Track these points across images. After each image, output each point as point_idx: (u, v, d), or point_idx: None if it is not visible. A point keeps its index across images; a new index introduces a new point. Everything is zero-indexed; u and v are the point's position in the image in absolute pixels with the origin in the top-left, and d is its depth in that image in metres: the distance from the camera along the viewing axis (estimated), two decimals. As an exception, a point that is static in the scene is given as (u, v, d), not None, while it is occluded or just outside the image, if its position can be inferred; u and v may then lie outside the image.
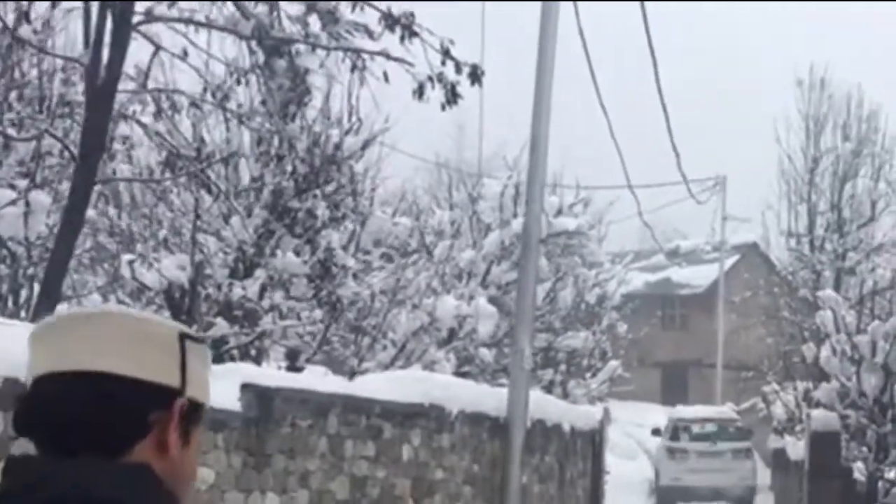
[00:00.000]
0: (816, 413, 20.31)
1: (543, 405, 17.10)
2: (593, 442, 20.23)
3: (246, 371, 10.17)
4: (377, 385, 12.09)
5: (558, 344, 25.34)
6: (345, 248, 15.24)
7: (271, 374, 10.99)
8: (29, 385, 2.14)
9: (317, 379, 11.56)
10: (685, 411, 36.50)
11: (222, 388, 9.12)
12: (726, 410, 36.73)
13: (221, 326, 13.70)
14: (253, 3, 11.58)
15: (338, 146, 15.19)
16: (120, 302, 16.16)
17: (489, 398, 14.59)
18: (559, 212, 25.82)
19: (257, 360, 14.51)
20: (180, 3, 11.38)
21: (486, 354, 21.01)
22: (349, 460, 11.06)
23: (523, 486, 15.06)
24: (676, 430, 34.08)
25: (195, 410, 2.19)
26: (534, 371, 24.00)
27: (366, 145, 15.96)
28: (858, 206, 33.46)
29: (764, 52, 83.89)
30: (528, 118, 14.74)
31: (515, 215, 23.71)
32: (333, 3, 11.53)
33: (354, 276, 15.76)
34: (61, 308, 2.20)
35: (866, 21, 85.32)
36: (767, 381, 30.25)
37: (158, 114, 12.27)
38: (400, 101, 12.37)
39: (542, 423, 16.61)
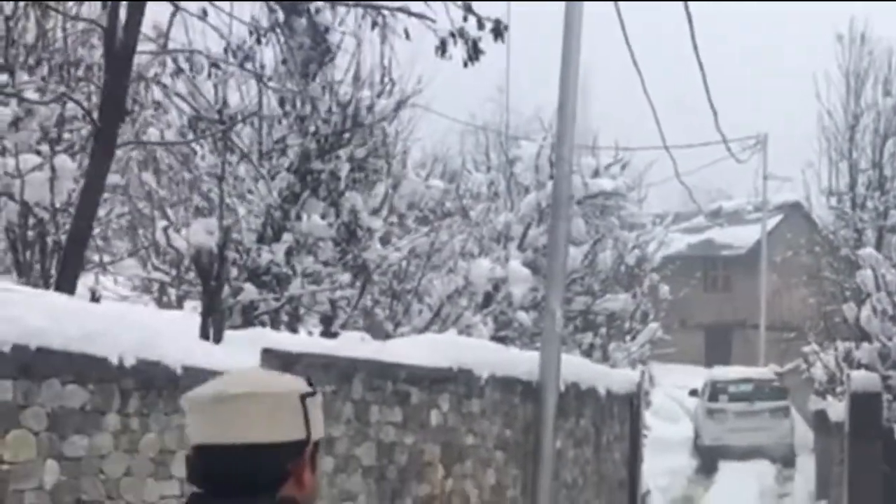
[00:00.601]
0: (857, 374, 19.98)
1: (578, 368, 16.88)
2: (631, 405, 19.99)
3: (268, 336, 10.01)
4: (405, 350, 11.88)
5: (597, 307, 25.07)
6: (377, 211, 15.07)
7: (294, 339, 10.82)
8: (192, 447, 2.95)
9: (343, 344, 11.35)
10: (722, 372, 36.60)
11: (243, 354, 8.97)
12: (763, 370, 36.72)
13: (250, 291, 13.58)
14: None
15: (370, 108, 15.01)
16: (156, 269, 16.06)
17: (521, 362, 14.39)
18: (596, 173, 25.54)
19: (291, 326, 14.37)
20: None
21: (525, 318, 20.79)
22: (375, 426, 10.90)
23: (557, 451, 14.88)
24: (714, 390, 34.12)
25: (317, 445, 3.01)
26: (573, 335, 23.81)
27: (398, 107, 15.76)
28: (900, 163, 32.96)
29: (802, 7, 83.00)
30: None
31: (551, 177, 23.41)
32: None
33: (385, 240, 15.58)
34: (207, 385, 2.69)
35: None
36: (809, 342, 29.91)
37: (178, 73, 12.07)
38: (438, 64, 12.13)
39: (576, 387, 16.39)
